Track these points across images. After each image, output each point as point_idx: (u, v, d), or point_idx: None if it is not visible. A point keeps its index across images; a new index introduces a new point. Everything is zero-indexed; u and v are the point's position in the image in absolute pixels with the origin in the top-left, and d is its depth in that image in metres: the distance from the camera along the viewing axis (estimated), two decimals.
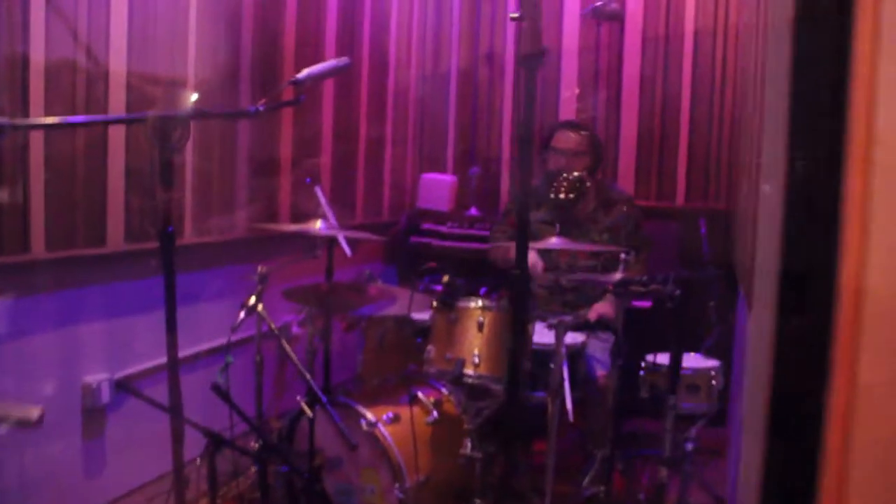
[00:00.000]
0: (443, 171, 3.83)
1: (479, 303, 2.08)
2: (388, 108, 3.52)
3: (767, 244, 1.09)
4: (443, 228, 3.47)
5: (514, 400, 1.40)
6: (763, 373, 0.96)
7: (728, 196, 3.19)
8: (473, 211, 3.55)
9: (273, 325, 1.96)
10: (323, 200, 2.35)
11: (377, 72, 3.38)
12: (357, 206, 3.32)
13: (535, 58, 1.28)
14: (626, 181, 3.52)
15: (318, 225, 2.10)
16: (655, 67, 3.45)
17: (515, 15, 1.32)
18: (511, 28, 3.59)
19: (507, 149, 3.73)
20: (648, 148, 3.50)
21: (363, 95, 3.30)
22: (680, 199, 3.43)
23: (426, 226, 3.51)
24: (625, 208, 2.63)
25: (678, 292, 1.75)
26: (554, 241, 2.16)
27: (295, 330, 2.83)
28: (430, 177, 3.67)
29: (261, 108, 1.35)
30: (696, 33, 3.33)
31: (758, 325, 1.23)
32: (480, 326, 2.04)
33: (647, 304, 2.29)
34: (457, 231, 3.46)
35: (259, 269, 2.02)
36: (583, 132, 2.61)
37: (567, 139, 2.60)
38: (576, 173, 2.44)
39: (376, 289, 2.32)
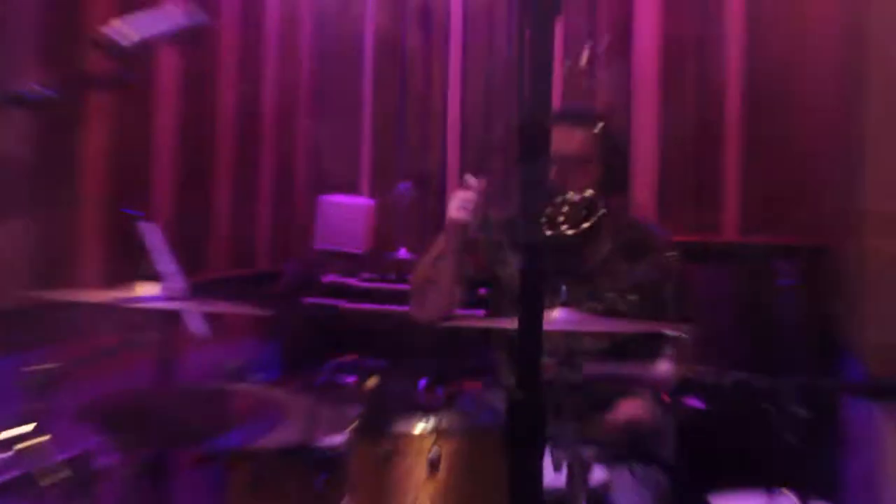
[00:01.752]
0: (353, 191, 3.87)
1: (432, 423, 1.97)
2: (265, 96, 3.61)
3: None
4: (354, 282, 3.52)
5: None
6: None
7: (822, 225, 3.24)
8: (403, 253, 3.60)
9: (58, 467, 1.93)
10: (157, 247, 2.33)
11: (247, 42, 3.46)
12: (213, 252, 3.33)
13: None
14: (642, 206, 3.58)
15: (143, 290, 2.06)
16: (685, 25, 3.51)
17: None
18: None
19: (455, 152, 3.80)
20: (677, 153, 3.56)
21: (224, 75, 3.34)
22: (730, 231, 3.47)
23: (326, 278, 3.53)
24: (665, 256, 2.60)
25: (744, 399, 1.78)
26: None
27: (103, 462, 2.66)
28: (332, 201, 3.69)
29: (50, 93, 1.42)
30: None
31: None
32: (434, 465, 1.94)
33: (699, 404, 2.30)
34: (376, 286, 3.51)
35: (39, 367, 1.97)
36: (589, 127, 2.58)
37: (563, 138, 2.55)
38: (585, 194, 2.45)
39: (248, 397, 2.28)
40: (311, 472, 2.17)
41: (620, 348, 2.52)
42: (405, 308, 3.06)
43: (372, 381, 2.07)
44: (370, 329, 3.34)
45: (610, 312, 2.49)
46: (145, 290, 2.06)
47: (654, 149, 3.55)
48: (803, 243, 3.30)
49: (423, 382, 2.48)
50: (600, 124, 2.60)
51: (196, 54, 3.14)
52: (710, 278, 3.15)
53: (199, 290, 2.50)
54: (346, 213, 3.63)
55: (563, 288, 2.08)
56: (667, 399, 1.95)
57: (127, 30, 1.50)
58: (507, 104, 3.65)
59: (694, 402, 2.09)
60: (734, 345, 3.04)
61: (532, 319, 1.25)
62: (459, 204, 2.50)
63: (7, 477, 2.12)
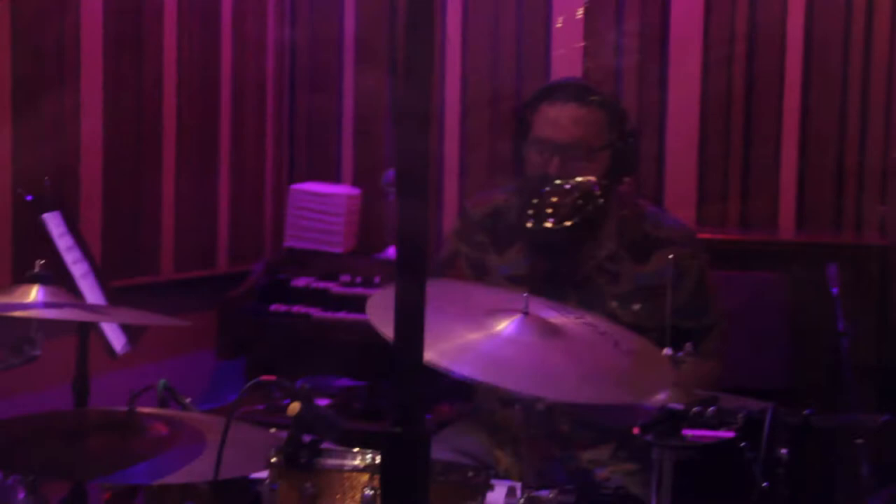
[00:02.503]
0: (333, 178, 3.91)
1: (367, 457, 1.91)
2: (225, 58, 3.63)
3: None
4: (333, 287, 3.52)
5: None
6: None
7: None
8: (392, 252, 3.58)
9: None
10: (61, 241, 2.31)
11: (204, 13, 3.52)
12: (163, 249, 3.33)
13: None
14: (679, 201, 3.60)
15: (32, 295, 2.04)
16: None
17: None
18: None
19: (454, 134, 3.80)
20: (721, 137, 3.62)
21: (169, 29, 3.36)
22: (786, 229, 3.52)
23: (298, 282, 3.54)
24: (680, 252, 2.51)
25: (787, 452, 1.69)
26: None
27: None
28: (306, 189, 3.67)
29: None
30: None
31: None
32: None
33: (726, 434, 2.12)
34: (360, 291, 3.47)
35: None
36: (590, 102, 2.53)
37: (559, 117, 2.52)
38: (578, 179, 2.39)
39: (168, 424, 2.18)
40: None
41: None
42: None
43: (295, 406, 1.91)
44: (343, 341, 3.32)
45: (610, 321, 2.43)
46: (39, 295, 2.03)
47: (692, 125, 3.59)
48: (871, 242, 3.36)
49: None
50: (598, 100, 2.54)
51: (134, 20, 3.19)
52: (753, 288, 3.12)
53: (128, 296, 2.48)
54: (324, 204, 3.61)
55: (539, 287, 2.04)
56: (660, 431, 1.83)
57: None
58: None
59: (695, 436, 2.01)
60: (770, 363, 3.01)
61: (412, 339, 1.21)
62: None
63: None
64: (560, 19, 3.66)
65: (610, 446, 2.51)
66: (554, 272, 2.47)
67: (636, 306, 2.52)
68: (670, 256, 2.45)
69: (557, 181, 2.40)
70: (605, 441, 2.50)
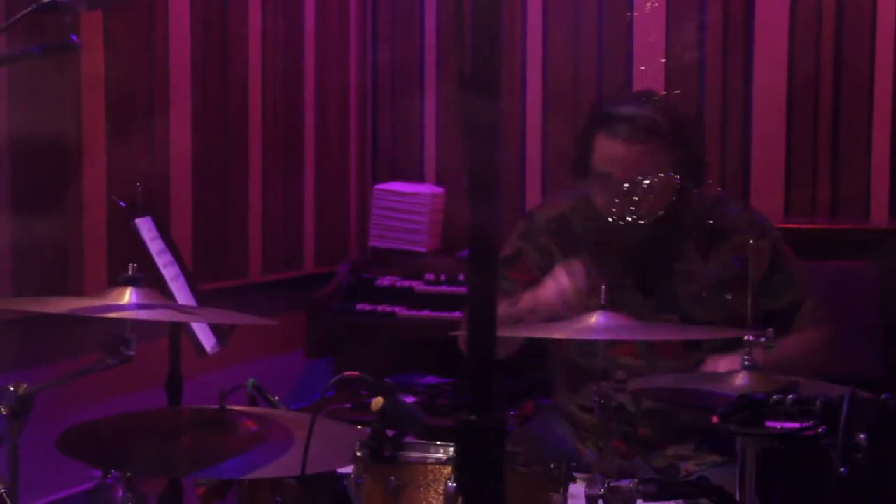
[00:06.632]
0: (416, 178, 3.90)
1: (450, 451, 1.88)
2: (308, 63, 3.64)
3: None
4: (417, 285, 3.53)
5: None
6: None
7: None
8: None
9: None
10: (153, 245, 2.32)
11: (288, 25, 3.53)
12: (251, 252, 3.37)
13: None
14: (766, 189, 3.59)
15: (126, 298, 2.04)
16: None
17: None
18: None
19: (537, 131, 3.75)
20: (809, 123, 3.58)
21: (254, 41, 3.39)
22: (880, 217, 3.48)
23: (383, 281, 3.55)
24: (744, 241, 2.44)
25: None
26: (600, 321, 2.04)
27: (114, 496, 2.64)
28: (390, 189, 3.66)
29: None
30: None
31: None
32: (452, 501, 1.83)
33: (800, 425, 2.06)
34: (444, 290, 3.51)
35: (9, 389, 1.95)
36: (647, 137, 2.46)
37: (618, 154, 2.47)
38: (654, 180, 2.39)
39: (257, 421, 2.21)
40: (334, 500, 2.17)
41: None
42: None
43: (378, 401, 1.92)
44: (433, 341, 3.23)
45: (689, 323, 2.44)
46: (133, 297, 2.05)
47: (779, 112, 3.53)
48: None
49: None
50: (661, 123, 2.45)
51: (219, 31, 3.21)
52: (844, 275, 3.06)
53: (218, 298, 2.58)
54: (407, 204, 3.60)
55: (603, 287, 2.03)
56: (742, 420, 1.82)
57: None
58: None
59: (781, 425, 1.99)
60: (864, 353, 2.94)
61: (484, 332, 1.19)
62: (556, 293, 2.41)
63: None
64: (647, 5, 3.62)
65: (692, 443, 2.49)
66: (625, 271, 2.45)
67: (712, 304, 2.48)
68: (750, 242, 2.38)
69: (632, 180, 2.37)
70: (687, 439, 2.48)
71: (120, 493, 2.41)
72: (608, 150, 2.45)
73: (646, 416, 2.47)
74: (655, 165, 2.47)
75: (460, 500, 1.75)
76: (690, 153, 2.54)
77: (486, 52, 1.15)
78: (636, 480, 1.84)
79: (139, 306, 2.04)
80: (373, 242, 3.63)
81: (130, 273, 2.15)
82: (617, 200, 2.48)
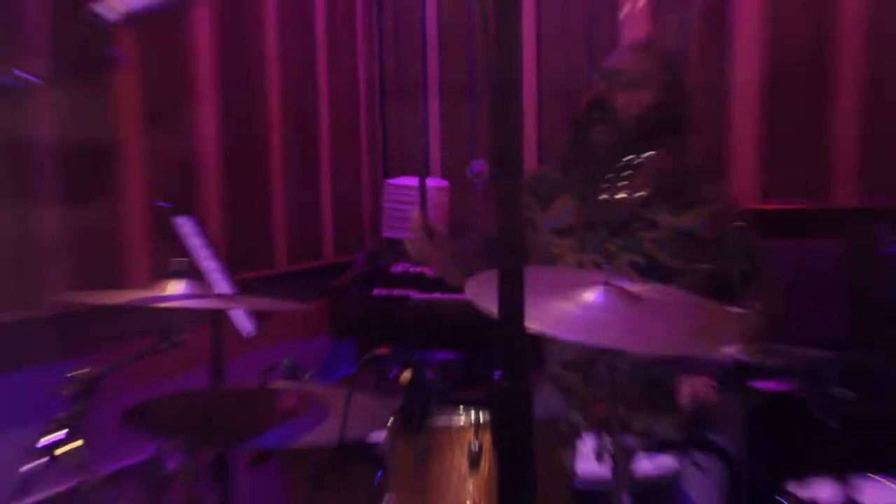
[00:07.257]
0: (422, 173, 3.74)
1: (471, 416, 1.98)
2: (321, 72, 3.64)
3: None
4: (427, 270, 3.56)
5: None
6: None
7: None
8: None
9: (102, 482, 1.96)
10: (194, 240, 2.39)
11: (302, 23, 3.53)
12: (276, 244, 3.40)
13: None
14: (741, 174, 3.59)
15: (173, 289, 2.12)
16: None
17: None
18: None
19: (532, 124, 3.80)
20: (782, 112, 3.55)
21: (271, 41, 3.37)
22: (842, 194, 3.50)
23: (396, 268, 3.60)
24: (719, 214, 2.53)
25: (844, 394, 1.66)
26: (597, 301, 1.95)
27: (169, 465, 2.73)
28: (399, 184, 3.63)
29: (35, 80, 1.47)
30: None
31: None
32: (475, 461, 1.94)
33: (783, 385, 2.17)
34: None
35: (76, 373, 2.01)
36: (649, 49, 2.63)
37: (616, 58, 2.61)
38: (650, 153, 2.43)
39: (296, 395, 2.29)
40: (370, 468, 2.18)
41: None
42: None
43: (407, 375, 2.01)
44: (445, 320, 3.37)
45: (652, 266, 2.45)
46: (179, 288, 2.11)
47: (755, 108, 3.52)
48: None
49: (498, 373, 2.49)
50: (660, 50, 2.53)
51: (240, 36, 3.21)
52: (812, 251, 3.12)
53: (250, 287, 2.55)
54: (415, 197, 3.37)
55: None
56: (731, 382, 1.89)
57: (112, 4, 1.50)
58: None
59: (765, 385, 2.03)
60: (832, 321, 2.99)
61: (514, 306, 1.24)
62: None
63: (55, 490, 2.23)
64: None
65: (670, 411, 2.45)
66: (592, 221, 2.46)
67: (676, 250, 2.48)
68: (711, 213, 2.46)
69: (628, 157, 2.39)
70: (666, 407, 2.45)
71: (175, 463, 2.44)
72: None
73: (624, 374, 2.35)
74: (645, 65, 2.53)
75: (481, 461, 1.88)
76: (674, 85, 2.57)
77: (508, 60, 1.19)
78: (639, 435, 1.89)
79: (190, 296, 2.10)
80: (385, 233, 3.54)
81: (176, 266, 2.18)
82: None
